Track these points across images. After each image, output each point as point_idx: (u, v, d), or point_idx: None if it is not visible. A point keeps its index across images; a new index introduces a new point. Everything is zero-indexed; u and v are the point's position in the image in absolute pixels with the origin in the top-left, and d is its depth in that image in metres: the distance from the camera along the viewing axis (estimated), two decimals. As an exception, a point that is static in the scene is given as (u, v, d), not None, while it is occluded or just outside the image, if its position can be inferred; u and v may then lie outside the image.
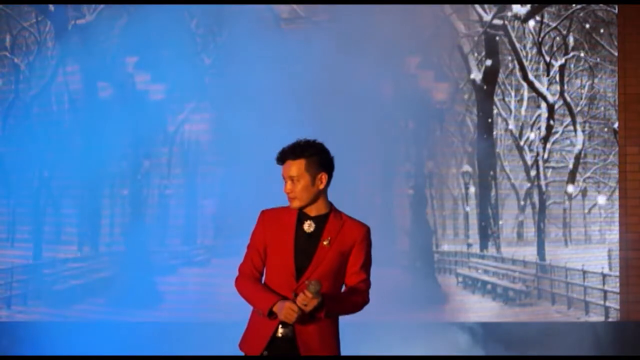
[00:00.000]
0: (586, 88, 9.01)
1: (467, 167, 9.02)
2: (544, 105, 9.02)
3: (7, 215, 9.03)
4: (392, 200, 8.99)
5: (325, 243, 4.28)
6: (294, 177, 4.27)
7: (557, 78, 9.01)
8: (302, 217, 4.33)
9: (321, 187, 4.32)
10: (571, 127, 9.02)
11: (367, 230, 4.38)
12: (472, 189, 9.00)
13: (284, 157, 4.30)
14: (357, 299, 4.35)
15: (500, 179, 9.01)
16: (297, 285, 4.25)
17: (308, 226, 4.33)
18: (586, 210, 9.00)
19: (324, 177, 4.32)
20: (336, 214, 4.36)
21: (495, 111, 9.03)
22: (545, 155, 9.01)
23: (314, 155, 4.29)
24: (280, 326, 4.27)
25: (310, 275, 4.25)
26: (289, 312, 4.15)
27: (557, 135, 9.05)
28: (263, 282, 4.39)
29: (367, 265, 4.36)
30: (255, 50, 8.64)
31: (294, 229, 4.31)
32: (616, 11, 8.87)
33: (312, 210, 4.33)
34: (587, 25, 9.00)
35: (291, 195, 4.29)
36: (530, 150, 9.04)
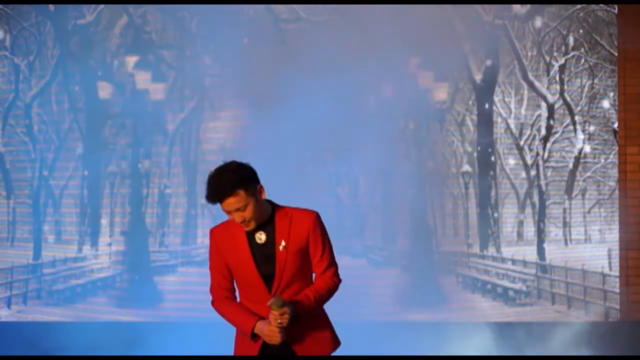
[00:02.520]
0: (586, 88, 9.00)
1: (467, 167, 9.02)
2: (544, 105, 9.02)
3: (7, 215, 9.03)
4: (393, 200, 8.99)
5: (281, 248, 4.28)
6: (241, 207, 4.19)
7: (557, 78, 9.01)
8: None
9: (263, 196, 4.28)
10: (571, 127, 9.02)
11: (316, 216, 4.36)
12: (472, 189, 9.00)
13: (220, 197, 4.17)
14: (330, 287, 4.39)
15: (500, 179, 9.01)
16: (271, 297, 4.28)
17: (259, 238, 4.31)
18: (586, 210, 9.00)
19: (261, 188, 4.26)
20: (280, 211, 4.33)
21: (495, 111, 9.02)
22: (545, 155, 9.00)
23: (244, 179, 4.19)
24: None
25: (280, 282, 4.29)
26: (272, 335, 4.18)
27: (557, 135, 9.04)
28: (239, 299, 4.41)
29: (327, 249, 4.38)
30: (254, 50, 8.64)
31: (247, 242, 4.31)
32: (616, 11, 8.87)
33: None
34: (587, 25, 9.00)
35: (245, 223, 4.25)
36: (530, 150, 9.04)
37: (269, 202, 4.36)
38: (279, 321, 4.17)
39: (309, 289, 4.34)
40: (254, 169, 4.28)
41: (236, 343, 4.45)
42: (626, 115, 8.79)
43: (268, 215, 4.32)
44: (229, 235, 4.36)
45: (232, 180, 4.16)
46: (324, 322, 4.43)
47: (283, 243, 4.29)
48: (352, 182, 8.95)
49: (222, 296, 4.39)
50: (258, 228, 4.32)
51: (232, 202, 4.17)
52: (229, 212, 4.23)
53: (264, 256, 4.30)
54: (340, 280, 4.42)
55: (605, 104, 8.97)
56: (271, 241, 4.30)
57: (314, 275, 4.43)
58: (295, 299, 4.26)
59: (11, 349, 8.34)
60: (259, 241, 4.31)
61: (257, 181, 4.26)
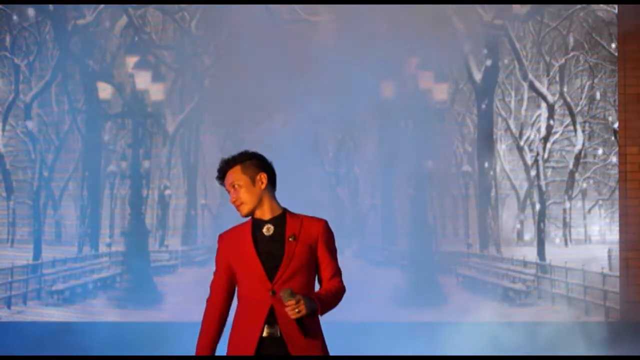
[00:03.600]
0: (586, 88, 9.01)
1: (467, 167, 9.02)
2: (544, 105, 9.03)
3: (7, 215, 9.04)
4: (392, 200, 8.99)
5: (290, 239, 4.34)
6: (234, 183, 4.37)
7: (557, 78, 9.01)
8: (258, 223, 4.39)
9: (262, 186, 4.38)
10: (571, 127, 9.02)
11: (326, 223, 4.45)
12: (472, 189, 9.01)
13: (221, 171, 4.43)
14: (337, 291, 4.42)
15: (500, 179, 9.01)
16: (272, 285, 4.29)
17: (267, 230, 4.38)
18: (586, 210, 9.00)
19: (263, 176, 4.38)
20: (292, 214, 4.43)
21: (495, 111, 9.03)
22: (545, 155, 9.01)
23: (248, 159, 4.41)
24: (266, 326, 4.30)
25: (284, 272, 4.31)
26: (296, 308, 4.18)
27: (557, 135, 9.05)
28: (237, 298, 4.43)
29: (334, 256, 4.46)
30: (254, 50, 8.65)
31: (250, 235, 4.37)
32: (616, 11, 8.87)
33: (266, 214, 4.38)
34: (587, 25, 9.00)
35: (237, 203, 4.38)
36: (530, 150, 9.04)
37: (284, 208, 4.43)
38: (297, 310, 4.17)
39: (323, 288, 4.39)
40: (265, 161, 4.43)
41: (231, 342, 4.44)
42: (626, 115, 8.80)
43: (277, 212, 4.39)
44: (236, 235, 4.43)
45: (234, 156, 4.43)
46: (318, 329, 4.43)
47: (293, 235, 4.34)
48: (352, 182, 8.96)
49: (215, 292, 4.43)
50: (266, 222, 4.37)
51: (229, 176, 4.39)
52: (227, 190, 4.41)
53: (271, 250, 4.34)
54: (345, 289, 4.47)
55: (605, 104, 8.98)
56: (280, 235, 4.36)
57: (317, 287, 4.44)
58: (313, 294, 4.31)
59: (11, 349, 8.35)
60: (266, 233, 4.35)
61: (261, 169, 4.39)
